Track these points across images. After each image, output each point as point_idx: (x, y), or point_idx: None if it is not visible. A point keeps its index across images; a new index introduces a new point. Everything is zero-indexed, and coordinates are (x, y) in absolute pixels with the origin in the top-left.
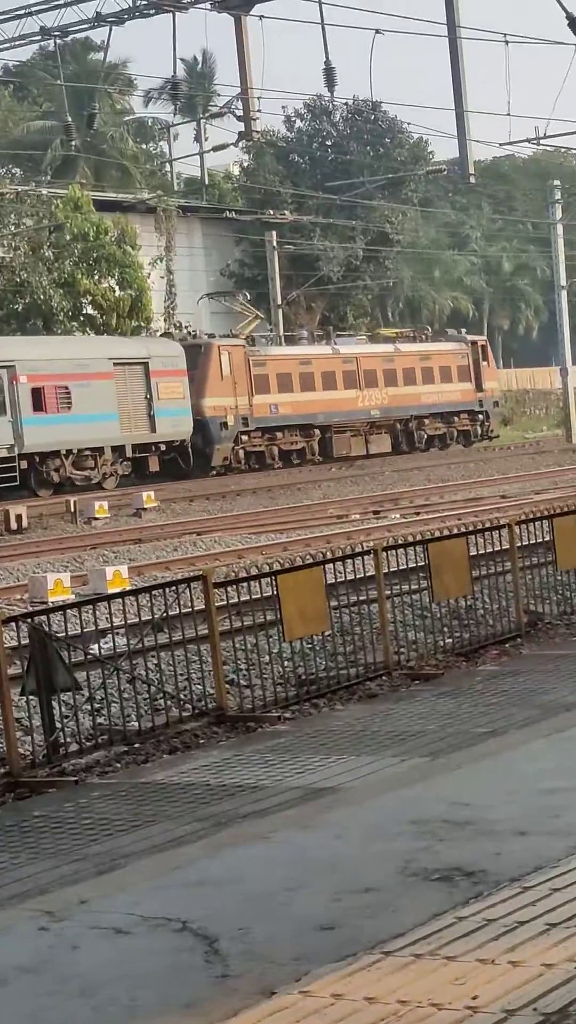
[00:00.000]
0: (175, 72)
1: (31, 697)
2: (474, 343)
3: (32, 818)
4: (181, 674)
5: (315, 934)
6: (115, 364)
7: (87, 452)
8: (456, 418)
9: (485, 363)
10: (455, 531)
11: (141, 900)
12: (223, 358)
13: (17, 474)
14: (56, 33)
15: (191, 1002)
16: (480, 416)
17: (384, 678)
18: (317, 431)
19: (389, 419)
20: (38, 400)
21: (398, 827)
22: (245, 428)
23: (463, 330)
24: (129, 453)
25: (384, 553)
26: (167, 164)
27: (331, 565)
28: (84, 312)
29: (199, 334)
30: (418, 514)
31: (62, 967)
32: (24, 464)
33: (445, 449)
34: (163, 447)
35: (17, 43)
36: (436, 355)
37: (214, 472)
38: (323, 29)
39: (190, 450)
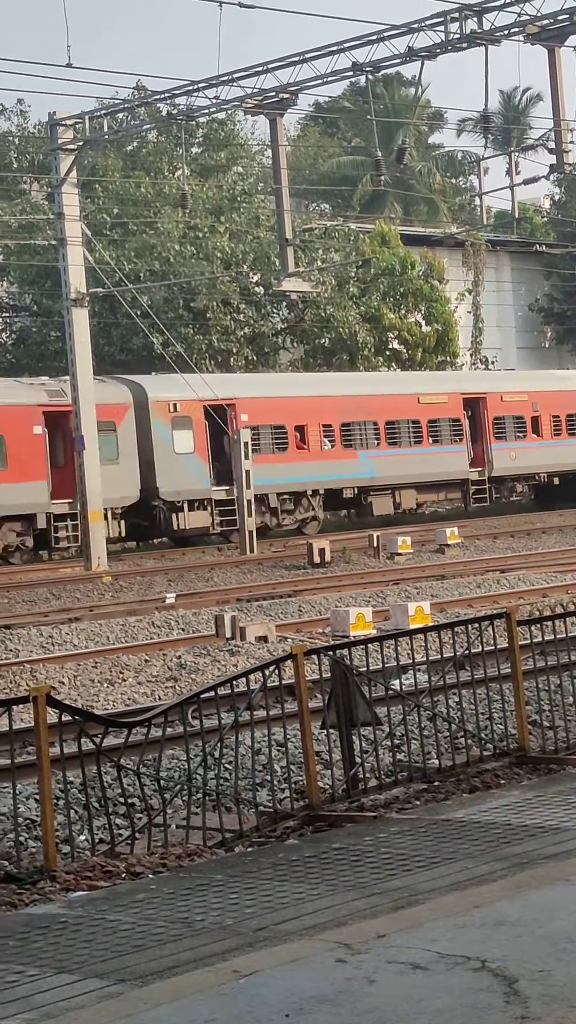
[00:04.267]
0: (486, 105)
1: (331, 731)
2: None
3: (331, 850)
4: (482, 713)
5: None
6: None
7: None
8: None
9: None
10: None
11: (439, 937)
12: None
13: None
14: (368, 68)
15: None
16: None
17: None
18: None
19: None
20: None
21: None
22: None
23: None
24: None
25: None
26: (476, 198)
27: None
28: (390, 347)
29: None
30: None
31: (359, 999)
32: None
33: None
34: None
35: (329, 79)
36: None
37: None
38: None
39: None
